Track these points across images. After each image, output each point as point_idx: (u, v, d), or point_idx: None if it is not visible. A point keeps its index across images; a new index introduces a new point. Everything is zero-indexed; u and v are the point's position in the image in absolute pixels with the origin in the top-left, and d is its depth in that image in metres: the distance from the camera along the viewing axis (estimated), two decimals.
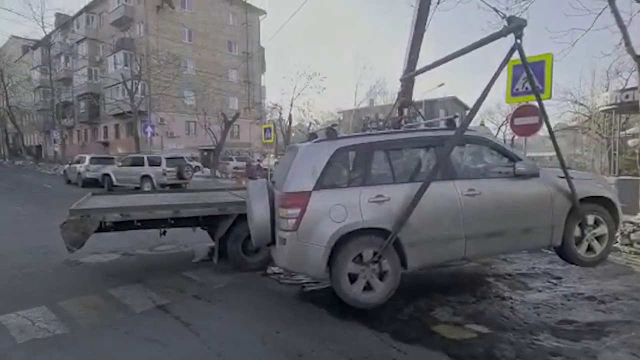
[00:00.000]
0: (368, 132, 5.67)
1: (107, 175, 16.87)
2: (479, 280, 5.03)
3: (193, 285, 4.97)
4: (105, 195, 7.16)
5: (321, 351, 3.30)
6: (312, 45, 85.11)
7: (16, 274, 5.46)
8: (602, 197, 4.61)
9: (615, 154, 14.88)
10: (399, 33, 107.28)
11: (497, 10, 4.65)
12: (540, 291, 4.57)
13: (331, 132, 4.25)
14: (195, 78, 32.81)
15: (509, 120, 7.70)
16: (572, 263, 4.66)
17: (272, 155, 21.51)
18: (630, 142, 15.56)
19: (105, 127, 38.08)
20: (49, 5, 78.23)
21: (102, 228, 5.24)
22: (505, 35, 4.15)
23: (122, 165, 17.37)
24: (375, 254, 3.88)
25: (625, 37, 7.64)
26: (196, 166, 24.27)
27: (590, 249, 4.58)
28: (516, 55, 4.19)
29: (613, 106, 13.85)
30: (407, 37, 7.41)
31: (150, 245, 6.85)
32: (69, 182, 20.01)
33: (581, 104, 26.03)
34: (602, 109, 15.54)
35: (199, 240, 6.70)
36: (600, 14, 8.21)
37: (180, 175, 16.03)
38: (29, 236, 7.76)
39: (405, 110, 7.56)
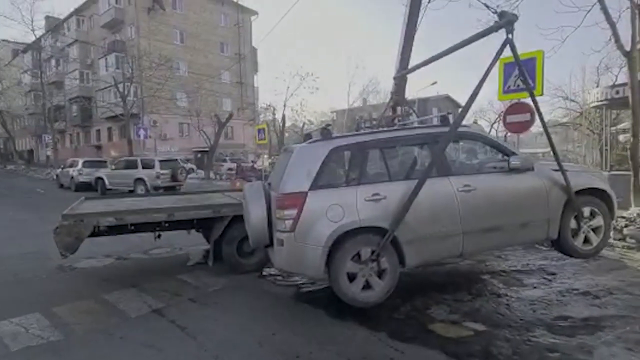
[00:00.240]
0: (362, 131, 5.67)
1: (100, 178, 16.72)
2: (475, 277, 5.04)
3: (188, 289, 4.94)
4: (99, 199, 7.09)
5: (319, 352, 3.29)
6: (304, 46, 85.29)
7: (9, 280, 5.40)
8: (597, 188, 4.62)
9: (606, 150, 14.97)
10: (393, 32, 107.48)
11: (488, 6, 4.65)
12: (535, 287, 4.60)
13: (326, 132, 4.24)
14: (188, 80, 32.65)
15: (502, 118, 7.75)
16: (569, 255, 4.68)
17: (266, 156, 21.43)
18: (621, 138, 15.68)
19: (98, 131, 37.75)
20: (39, 9, 77.65)
21: (96, 232, 5.19)
22: (496, 31, 4.16)
23: (115, 169, 17.25)
24: (373, 252, 3.89)
25: (615, 33, 7.72)
26: (190, 168, 24.11)
27: (587, 240, 4.60)
28: (508, 52, 4.20)
29: (604, 102, 13.94)
30: (399, 36, 7.42)
31: (145, 248, 6.80)
32: (61, 186, 19.83)
33: (572, 100, 26.21)
34: (592, 105, 15.64)
35: (194, 243, 6.68)
36: (589, 10, 8.32)
37: (174, 178, 15.95)
38: (22, 241, 7.67)
39: (399, 109, 7.58)
